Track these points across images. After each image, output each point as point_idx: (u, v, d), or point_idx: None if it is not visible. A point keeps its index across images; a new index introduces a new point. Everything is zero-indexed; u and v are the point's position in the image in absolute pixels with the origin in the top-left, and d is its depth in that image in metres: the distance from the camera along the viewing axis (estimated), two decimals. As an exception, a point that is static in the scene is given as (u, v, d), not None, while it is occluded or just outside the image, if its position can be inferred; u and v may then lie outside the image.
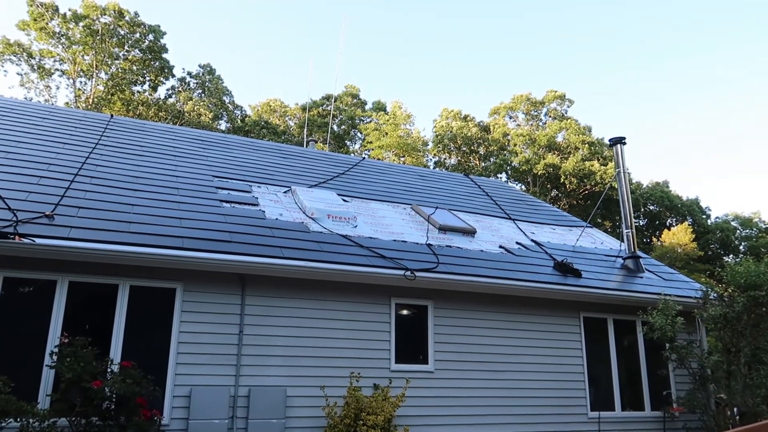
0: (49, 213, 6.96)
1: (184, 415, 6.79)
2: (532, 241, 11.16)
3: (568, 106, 40.60)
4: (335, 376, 7.64)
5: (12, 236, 6.14)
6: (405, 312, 8.45)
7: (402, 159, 37.38)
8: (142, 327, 6.97)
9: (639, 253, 11.46)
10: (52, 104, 29.22)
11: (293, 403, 7.33)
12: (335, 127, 40.57)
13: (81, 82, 31.55)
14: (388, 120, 38.76)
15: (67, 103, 31.29)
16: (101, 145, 10.54)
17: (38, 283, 6.65)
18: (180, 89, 33.90)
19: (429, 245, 9.31)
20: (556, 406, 8.93)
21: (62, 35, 30.17)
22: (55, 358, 5.93)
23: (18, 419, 5.46)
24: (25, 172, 8.31)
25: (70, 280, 6.72)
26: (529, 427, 8.63)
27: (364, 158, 15.86)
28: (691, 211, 39.72)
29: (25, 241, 6.18)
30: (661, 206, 39.59)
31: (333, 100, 39.43)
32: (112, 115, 13.19)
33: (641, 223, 40.14)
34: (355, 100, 41.89)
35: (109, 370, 6.13)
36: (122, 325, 6.83)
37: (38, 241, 6.26)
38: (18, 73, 30.80)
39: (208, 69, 34.86)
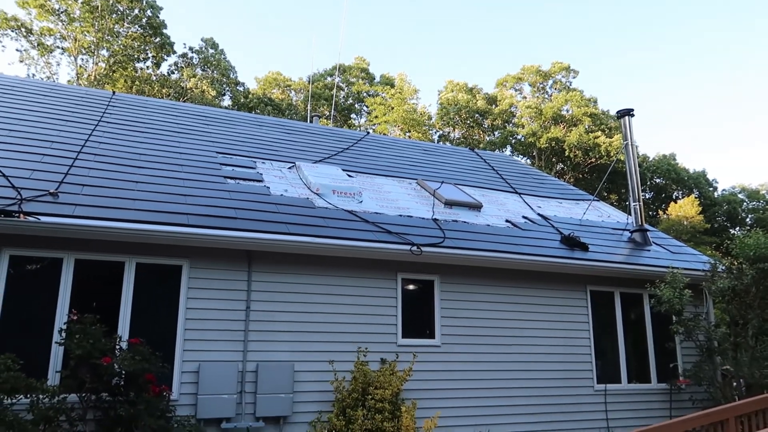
0: (54, 191, 6.93)
1: (193, 390, 6.85)
2: (539, 215, 11.09)
3: (573, 77, 40.17)
4: (342, 351, 7.66)
5: (17, 214, 6.12)
6: (411, 287, 8.44)
7: (408, 134, 37.13)
8: (149, 304, 6.98)
9: (646, 226, 11.39)
10: (54, 81, 29.03)
11: (301, 378, 7.37)
12: (341, 101, 40.27)
13: (82, 59, 31.29)
14: (394, 94, 38.42)
15: (69, 80, 31.07)
16: (104, 122, 10.46)
17: (45, 261, 6.65)
18: (182, 65, 33.58)
19: (435, 220, 9.26)
20: (563, 379, 8.96)
21: (62, 12, 29.81)
22: (64, 335, 5.95)
23: (28, 396, 5.50)
24: (28, 150, 8.25)
25: (77, 258, 6.71)
26: (536, 400, 8.68)
27: (368, 133, 15.72)
28: (697, 184, 39.46)
29: (30, 219, 6.16)
30: (667, 179, 39.32)
31: (338, 73, 39.04)
32: (114, 92, 13.08)
33: (647, 196, 39.94)
34: (363, 74, 41.45)
35: (117, 347, 6.15)
36: (129, 302, 6.84)
37: (43, 219, 6.24)
38: (17, 50, 30.55)
39: (211, 43, 34.46)
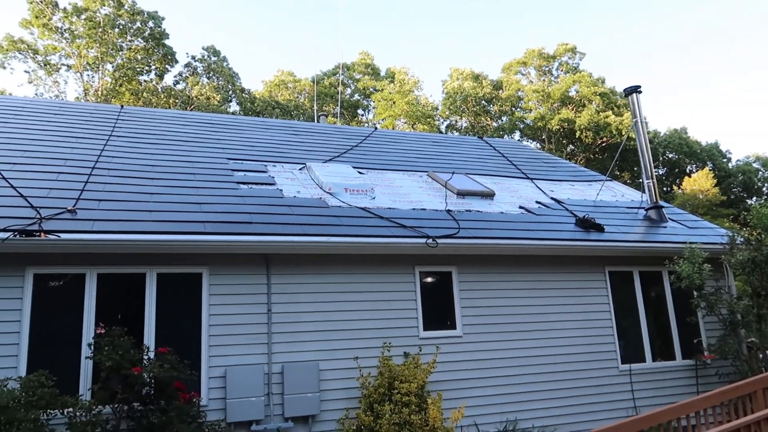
0: (71, 208, 7.05)
1: (221, 395, 6.95)
2: (552, 199, 11.07)
3: (580, 59, 39.84)
4: (365, 347, 7.72)
5: (37, 233, 6.24)
6: (430, 279, 8.47)
7: (413, 127, 37.08)
8: (172, 313, 7.08)
9: (661, 202, 11.32)
10: (63, 99, 29.36)
11: (326, 377, 7.45)
12: (348, 97, 40.30)
13: (88, 75, 31.62)
14: (395, 88, 38.38)
15: (77, 97, 31.42)
16: (115, 136, 10.60)
17: (68, 278, 6.77)
18: (187, 74, 33.80)
19: (448, 211, 9.28)
20: (587, 362, 8.96)
21: (65, 30, 30.13)
22: (92, 349, 6.07)
23: (63, 412, 5.62)
24: (43, 169, 8.39)
25: (99, 272, 6.82)
26: (561, 384, 8.68)
27: (376, 128, 15.76)
28: (711, 156, 39.02)
29: (51, 237, 6.27)
30: (680, 153, 38.93)
31: (341, 70, 39.06)
32: (122, 106, 13.22)
33: (661, 172, 39.57)
34: (368, 69, 41.45)
35: (146, 357, 6.26)
36: (153, 312, 6.95)
37: (63, 236, 6.35)
38: (25, 71, 30.95)
39: (213, 50, 34.65)
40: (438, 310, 8.37)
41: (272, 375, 7.24)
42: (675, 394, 9.12)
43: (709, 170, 36.10)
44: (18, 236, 6.15)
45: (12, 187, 7.48)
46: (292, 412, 7.15)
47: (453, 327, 8.36)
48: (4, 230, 6.15)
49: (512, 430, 7.98)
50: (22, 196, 7.21)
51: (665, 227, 10.49)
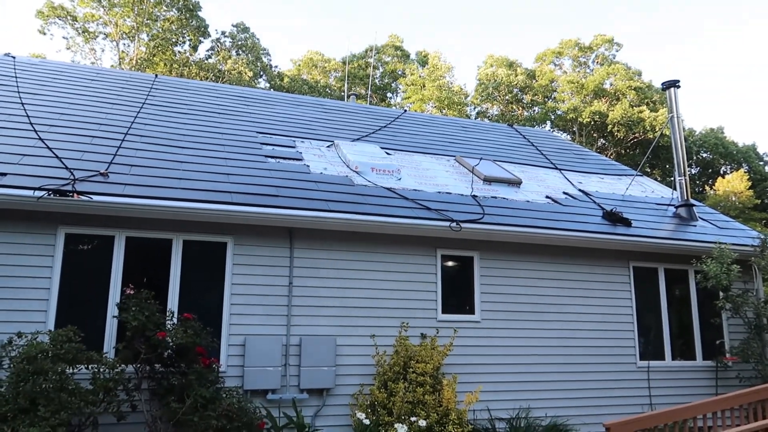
0: (104, 171, 7.19)
1: (240, 362, 7.09)
2: (580, 190, 10.93)
3: (617, 51, 38.97)
4: (383, 326, 7.79)
5: (71, 194, 6.39)
6: (451, 263, 8.47)
7: (443, 112, 36.81)
8: (196, 279, 7.21)
9: (692, 201, 11.11)
10: (99, 66, 29.77)
11: (343, 352, 7.54)
12: (377, 81, 40.14)
13: (124, 44, 31.99)
14: (427, 72, 38.06)
15: (112, 65, 31.84)
16: (148, 105, 10.74)
17: (97, 239, 6.93)
18: (218, 49, 33.99)
19: (474, 196, 9.24)
20: (604, 356, 8.90)
21: (102, -2, 30.50)
22: (119, 309, 6.22)
23: (88, 368, 5.79)
24: (78, 133, 8.56)
25: (127, 235, 6.97)
26: (576, 375, 8.66)
27: (405, 111, 15.68)
28: (747, 158, 37.97)
29: (83, 198, 6.42)
30: (714, 153, 37.96)
31: (373, 52, 38.83)
32: (156, 75, 13.37)
33: (693, 171, 38.70)
34: (398, 51, 41.17)
35: (169, 321, 6.40)
36: (177, 277, 7.09)
37: (95, 197, 6.50)
38: (64, 37, 31.43)
39: (242, 27, 34.76)
40: (457, 295, 8.38)
41: (290, 347, 7.34)
42: (693, 394, 9.01)
43: (745, 172, 35.16)
44: (52, 195, 6.31)
45: (48, 148, 7.66)
46: (308, 384, 7.26)
47: (471, 312, 8.37)
48: (39, 189, 6.31)
49: (524, 417, 7.99)
50: (57, 157, 7.38)
51: (695, 226, 10.30)
